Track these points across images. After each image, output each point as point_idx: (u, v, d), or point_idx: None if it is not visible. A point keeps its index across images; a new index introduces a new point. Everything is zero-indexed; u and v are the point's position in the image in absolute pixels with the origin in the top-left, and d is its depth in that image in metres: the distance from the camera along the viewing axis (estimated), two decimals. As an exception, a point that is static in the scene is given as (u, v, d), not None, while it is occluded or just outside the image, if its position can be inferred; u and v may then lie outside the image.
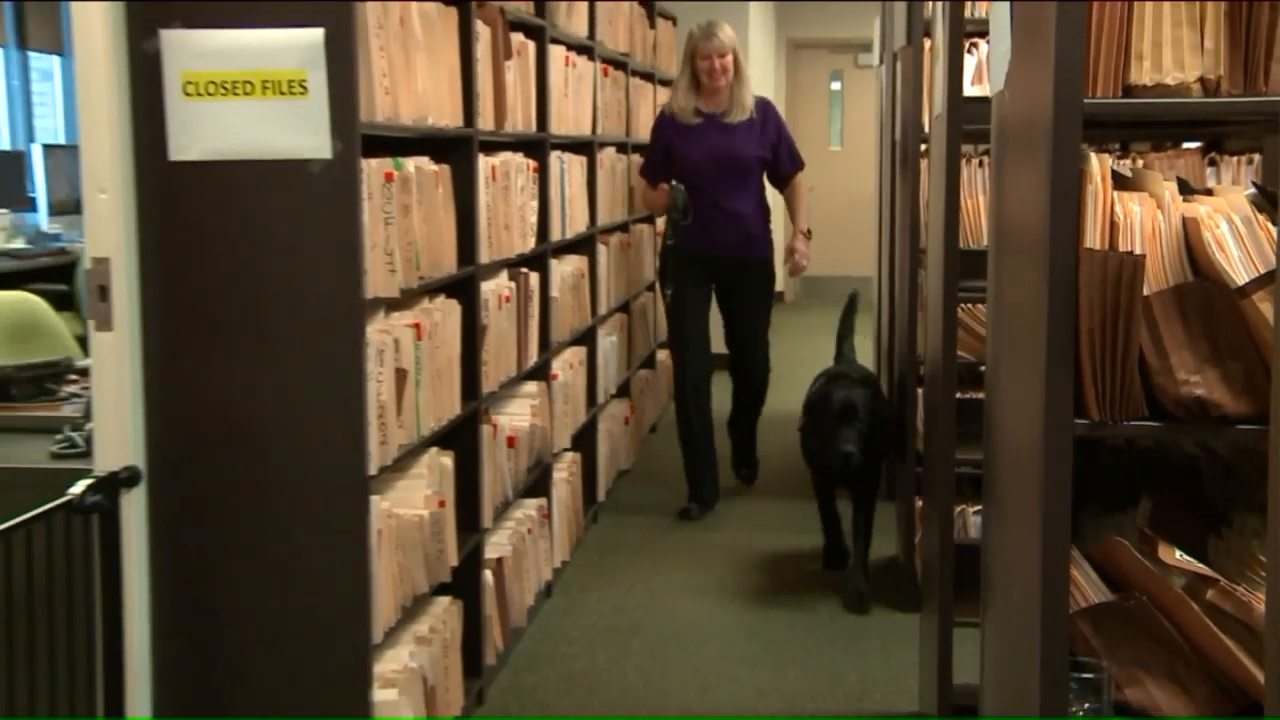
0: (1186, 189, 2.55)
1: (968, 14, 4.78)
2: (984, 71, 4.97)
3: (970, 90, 3.99)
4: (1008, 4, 2.65)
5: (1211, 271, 2.36)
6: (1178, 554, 2.54)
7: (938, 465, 4.00)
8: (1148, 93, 2.39)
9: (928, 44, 5.36)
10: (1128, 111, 2.39)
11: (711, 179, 6.48)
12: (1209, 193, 2.61)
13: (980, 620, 3.16)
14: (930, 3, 4.76)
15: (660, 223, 8.02)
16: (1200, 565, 2.52)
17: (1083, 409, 2.34)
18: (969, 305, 4.73)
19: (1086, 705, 2.45)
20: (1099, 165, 2.40)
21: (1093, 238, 2.36)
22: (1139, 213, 2.41)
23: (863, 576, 5.55)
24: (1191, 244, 2.40)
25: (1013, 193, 2.65)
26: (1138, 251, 2.35)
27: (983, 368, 4.46)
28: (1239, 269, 2.33)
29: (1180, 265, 2.40)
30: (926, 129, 5.27)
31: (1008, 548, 2.72)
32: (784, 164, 6.78)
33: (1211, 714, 2.47)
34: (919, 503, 5.25)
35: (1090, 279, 2.28)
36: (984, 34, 4.87)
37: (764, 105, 6.75)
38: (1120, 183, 2.49)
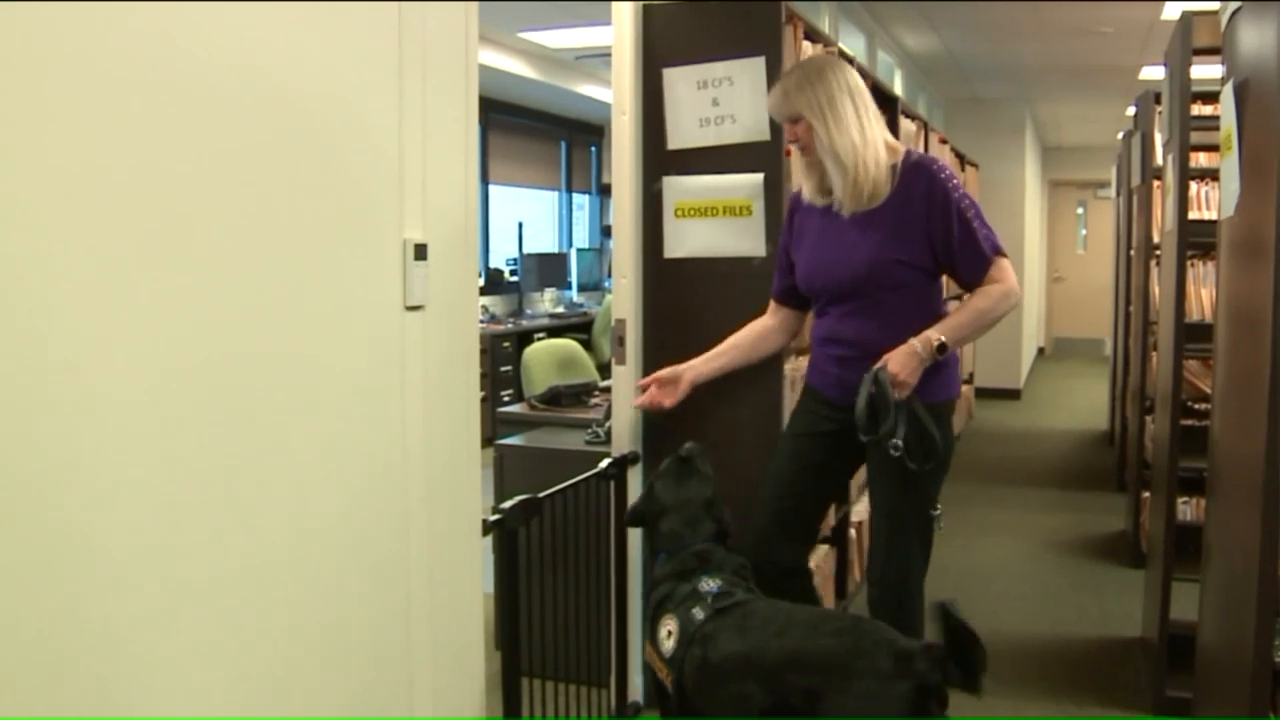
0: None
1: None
2: (1197, 201, 4.69)
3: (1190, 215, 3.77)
4: (1236, 157, 2.51)
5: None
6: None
7: (1163, 467, 3.77)
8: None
9: (1155, 183, 5.13)
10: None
11: (827, 295, 2.92)
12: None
13: (1201, 577, 2.96)
14: (1164, 155, 4.51)
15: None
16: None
17: (1292, 432, 2.19)
18: (1186, 359, 4.45)
19: (1285, 640, 2.29)
20: (1306, 265, 2.25)
21: (1302, 315, 2.22)
22: (1335, 298, 2.25)
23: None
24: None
25: (1240, 285, 2.50)
26: (1334, 325, 2.20)
27: (1190, 403, 4.21)
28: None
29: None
30: (1156, 239, 5.02)
31: (1229, 527, 2.56)
32: (964, 267, 2.79)
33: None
34: (1144, 494, 4.97)
35: (1300, 343, 2.15)
36: (1197, 177, 4.60)
37: (919, 174, 2.79)
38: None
